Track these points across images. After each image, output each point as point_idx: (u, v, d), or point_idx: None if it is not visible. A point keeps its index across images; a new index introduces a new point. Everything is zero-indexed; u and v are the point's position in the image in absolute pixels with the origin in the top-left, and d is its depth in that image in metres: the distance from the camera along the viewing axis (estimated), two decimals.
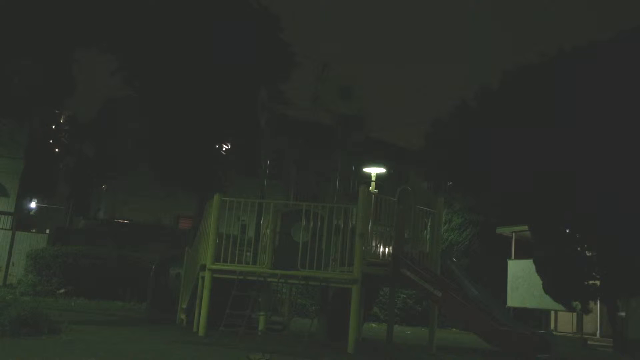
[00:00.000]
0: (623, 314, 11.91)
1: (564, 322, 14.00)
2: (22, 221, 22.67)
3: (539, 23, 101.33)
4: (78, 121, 30.85)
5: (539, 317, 14.89)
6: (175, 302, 10.56)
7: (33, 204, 32.33)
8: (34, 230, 20.55)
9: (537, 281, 11.68)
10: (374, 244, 8.42)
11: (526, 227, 12.54)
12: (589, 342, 12.60)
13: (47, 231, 18.76)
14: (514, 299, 14.29)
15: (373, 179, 15.33)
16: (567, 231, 11.30)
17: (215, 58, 13.97)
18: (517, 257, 14.54)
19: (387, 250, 8.54)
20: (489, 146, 11.02)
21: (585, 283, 11.04)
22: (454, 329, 14.46)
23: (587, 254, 11.22)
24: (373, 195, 8.48)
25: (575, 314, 12.81)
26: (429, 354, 8.66)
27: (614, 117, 10.13)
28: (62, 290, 13.98)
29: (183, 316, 10.06)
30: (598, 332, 12.92)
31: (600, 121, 10.14)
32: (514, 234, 14.71)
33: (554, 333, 12.75)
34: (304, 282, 8.47)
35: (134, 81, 14.92)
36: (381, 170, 15.56)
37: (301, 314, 13.94)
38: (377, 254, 8.47)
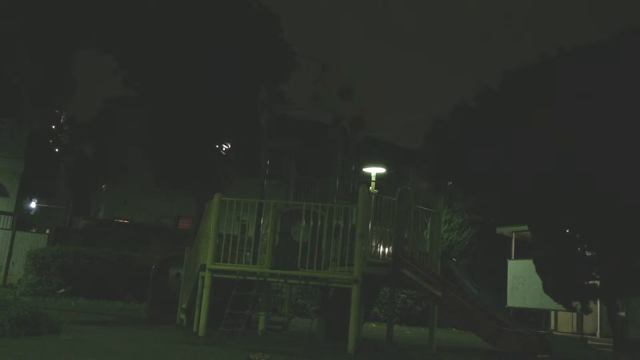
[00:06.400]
0: (623, 314, 11.92)
1: (564, 322, 14.00)
2: (22, 221, 22.66)
3: (540, 23, 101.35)
4: (78, 121, 30.86)
5: (539, 317, 14.88)
6: (175, 302, 10.57)
7: (33, 204, 32.36)
8: (34, 230, 20.58)
9: (537, 281, 11.66)
10: (374, 244, 8.42)
11: (526, 227, 12.53)
12: (589, 342, 12.60)
13: (47, 231, 18.74)
14: (514, 299, 14.29)
15: (373, 179, 15.30)
16: (567, 231, 11.29)
17: (215, 58, 13.98)
18: (517, 257, 14.54)
19: (387, 250, 8.53)
20: (489, 146, 11.02)
21: (585, 283, 11.04)
22: (454, 329, 14.45)
23: (587, 254, 11.22)
24: (373, 195, 8.48)
25: (575, 314, 12.80)
26: (429, 354, 8.65)
27: (614, 117, 10.12)
28: (62, 290, 13.97)
29: (183, 316, 10.06)
30: (598, 332, 12.91)
31: (600, 121, 10.13)
32: (514, 234, 14.70)
33: (554, 333, 12.77)
34: (304, 282, 8.47)
35: (134, 81, 14.94)
36: (381, 170, 15.54)
37: (301, 314, 13.93)
38: (377, 254, 8.47)
